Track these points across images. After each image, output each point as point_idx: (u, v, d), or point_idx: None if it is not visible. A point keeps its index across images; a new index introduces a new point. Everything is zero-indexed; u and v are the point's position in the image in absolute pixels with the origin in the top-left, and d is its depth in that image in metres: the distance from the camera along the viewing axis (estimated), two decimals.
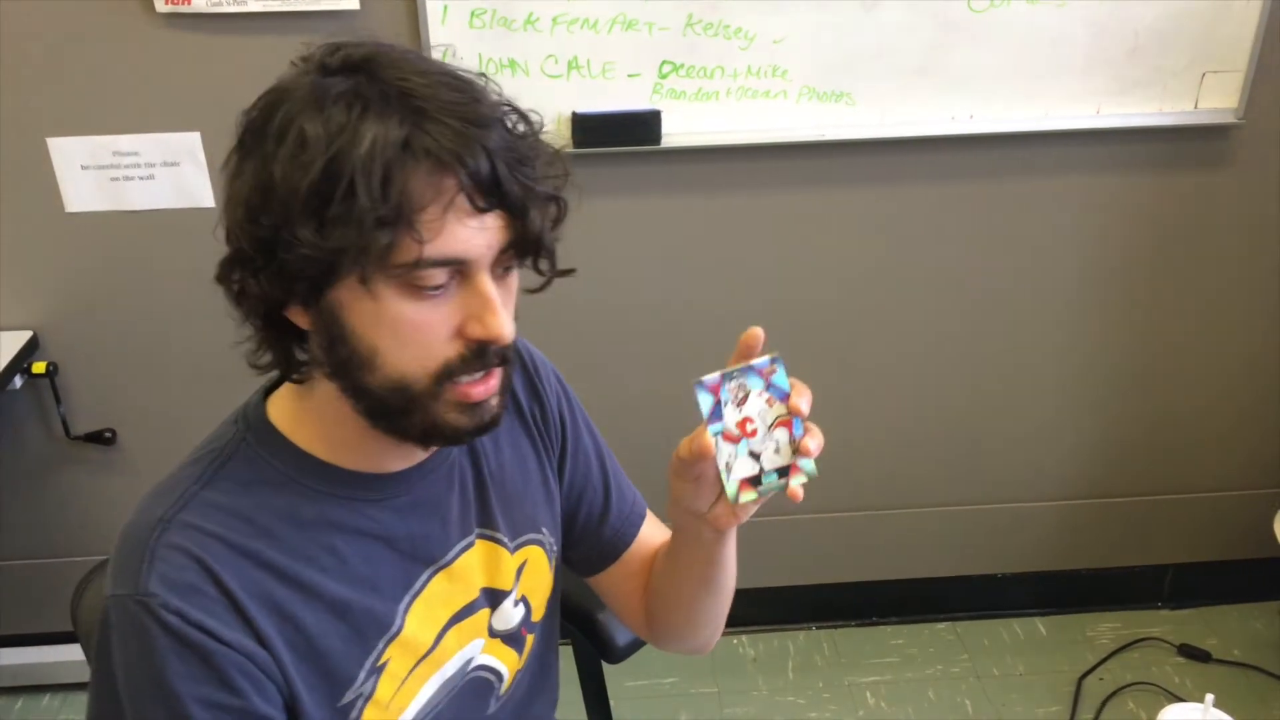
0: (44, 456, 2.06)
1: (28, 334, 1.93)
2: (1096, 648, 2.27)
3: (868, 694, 2.19)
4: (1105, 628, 2.33)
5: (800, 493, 0.85)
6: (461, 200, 0.76)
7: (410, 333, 0.80)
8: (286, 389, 0.91)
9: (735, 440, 0.84)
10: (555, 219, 0.84)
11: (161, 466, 0.90)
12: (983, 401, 2.16)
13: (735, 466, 0.85)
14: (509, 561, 1.02)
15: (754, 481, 0.85)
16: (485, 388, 0.84)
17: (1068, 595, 2.38)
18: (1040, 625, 2.35)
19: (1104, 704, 2.13)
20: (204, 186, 1.84)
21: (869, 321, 2.07)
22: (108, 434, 2.03)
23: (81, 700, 2.14)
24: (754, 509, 0.89)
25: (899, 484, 2.24)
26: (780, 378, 0.85)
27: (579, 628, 1.31)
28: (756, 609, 2.29)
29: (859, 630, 2.35)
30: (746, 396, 0.84)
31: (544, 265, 0.85)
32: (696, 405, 0.83)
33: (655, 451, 1.04)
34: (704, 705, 2.16)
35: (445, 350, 0.81)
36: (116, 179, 1.83)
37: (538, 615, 1.07)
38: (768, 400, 0.84)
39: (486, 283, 0.80)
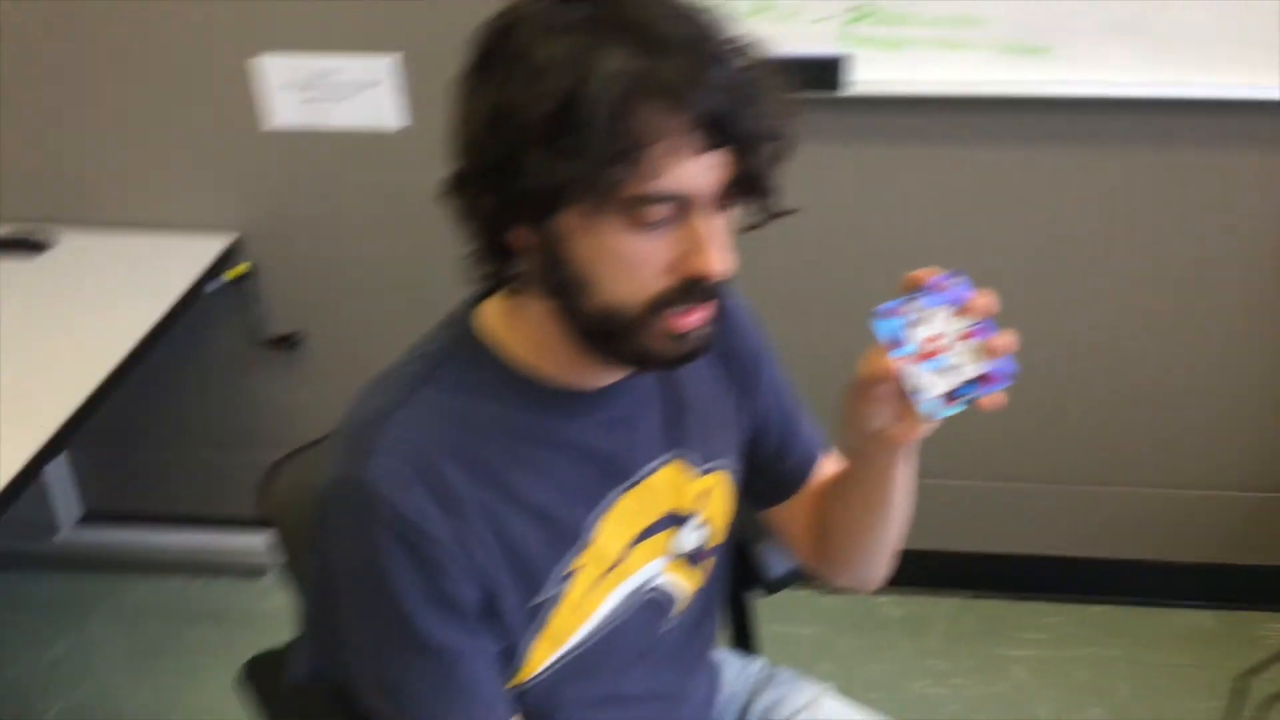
0: (237, 355, 2.19)
1: (232, 236, 2.03)
2: (1265, 647, 2.16)
3: (1014, 667, 2.14)
4: (1277, 628, 2.22)
5: (1002, 399, 0.84)
6: (691, 137, 0.76)
7: (628, 264, 0.81)
8: (497, 301, 0.93)
9: (923, 359, 0.84)
10: (779, 157, 0.84)
11: (347, 370, 0.95)
12: (1174, 380, 2.07)
13: (928, 385, 0.84)
14: (696, 485, 1.04)
15: (949, 396, 0.85)
16: (695, 319, 0.85)
17: (1240, 591, 2.26)
18: (1207, 619, 2.25)
19: (1267, 705, 2.04)
20: (400, 108, 1.90)
21: (1056, 291, 2.00)
22: (297, 337, 2.15)
23: (252, 587, 2.30)
24: (933, 426, 0.88)
25: (1073, 459, 2.18)
26: (962, 288, 0.84)
27: (734, 558, 1.31)
28: (905, 571, 2.26)
29: (1012, 604, 2.29)
30: (928, 316, 0.84)
31: (765, 204, 0.85)
32: (878, 335, 0.84)
33: (825, 410, 1.04)
34: (846, 658, 2.17)
35: (659, 282, 0.82)
36: (315, 99, 1.90)
37: (717, 540, 1.09)
38: (952, 314, 0.84)
39: (707, 219, 0.81)
